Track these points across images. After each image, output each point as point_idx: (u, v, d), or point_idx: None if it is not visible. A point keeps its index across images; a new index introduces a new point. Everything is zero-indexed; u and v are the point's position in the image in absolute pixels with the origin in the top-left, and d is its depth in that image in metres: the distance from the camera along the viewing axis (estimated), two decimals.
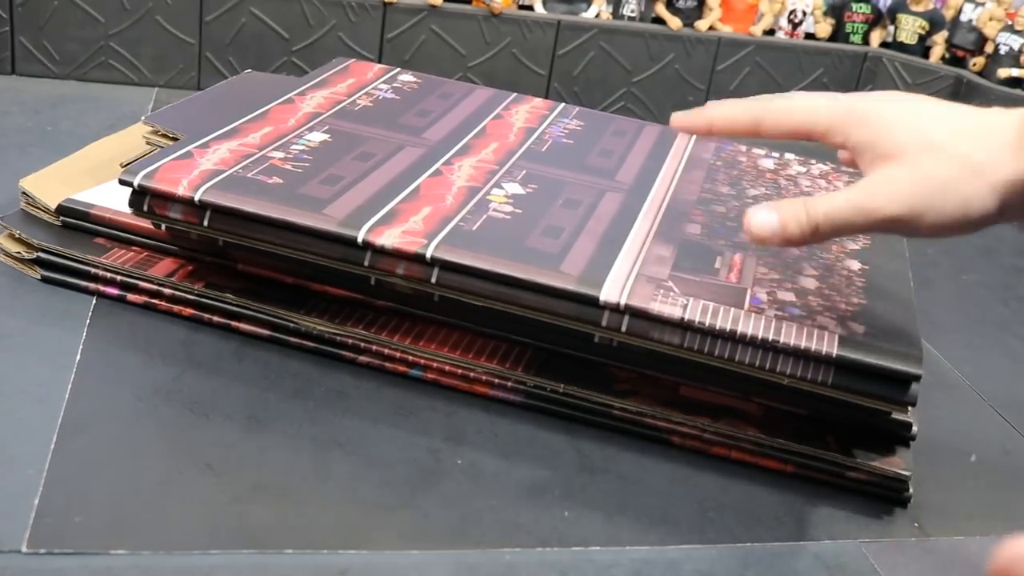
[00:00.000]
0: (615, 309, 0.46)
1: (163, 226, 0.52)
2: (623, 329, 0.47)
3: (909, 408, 0.47)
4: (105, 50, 0.89)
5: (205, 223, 0.50)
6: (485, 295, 0.48)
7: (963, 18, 1.07)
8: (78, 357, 0.48)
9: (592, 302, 0.47)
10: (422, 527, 0.42)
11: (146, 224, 0.53)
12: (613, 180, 0.58)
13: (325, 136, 0.57)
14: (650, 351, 0.47)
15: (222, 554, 0.39)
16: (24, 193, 0.56)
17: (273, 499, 0.42)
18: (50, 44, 0.87)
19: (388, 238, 0.48)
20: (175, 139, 0.61)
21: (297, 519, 0.41)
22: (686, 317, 0.46)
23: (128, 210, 0.51)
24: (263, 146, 0.55)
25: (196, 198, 0.49)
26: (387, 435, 0.47)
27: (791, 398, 0.48)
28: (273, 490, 0.42)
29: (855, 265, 0.54)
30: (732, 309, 0.46)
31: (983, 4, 1.06)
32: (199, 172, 0.51)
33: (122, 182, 0.50)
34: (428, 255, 0.47)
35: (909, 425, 0.48)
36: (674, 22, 1.01)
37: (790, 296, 0.49)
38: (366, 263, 0.48)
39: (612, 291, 0.46)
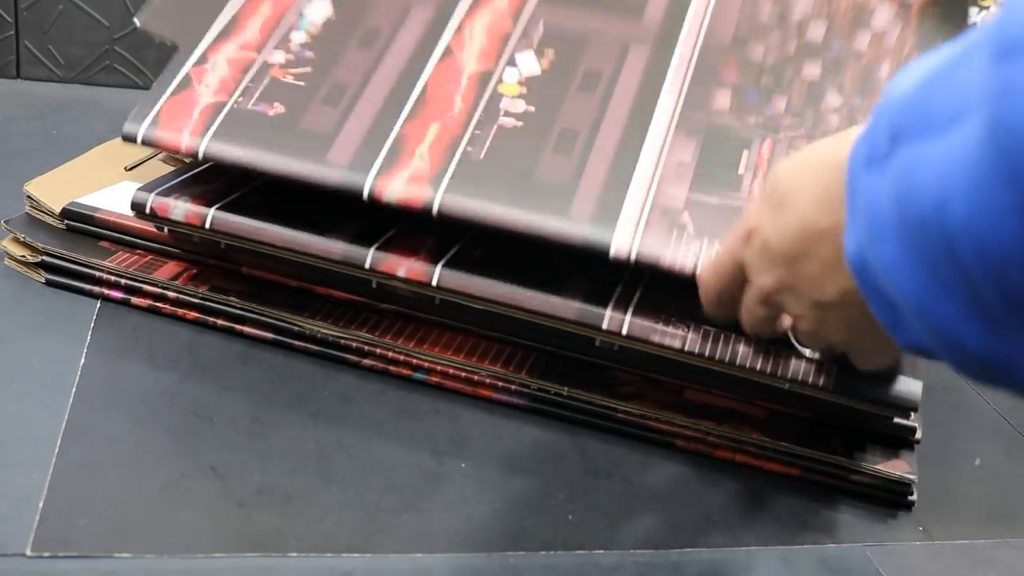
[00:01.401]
0: (617, 325, 0.46)
1: (166, 229, 0.52)
2: (624, 333, 0.47)
3: (913, 412, 0.47)
4: (110, 54, 0.89)
5: (207, 226, 0.50)
6: (485, 298, 0.48)
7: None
8: (82, 360, 0.49)
9: (603, 254, 0.45)
10: (426, 531, 0.42)
11: (150, 227, 0.53)
12: (640, 23, 0.51)
13: (328, 11, 0.53)
14: (651, 355, 0.47)
15: (226, 558, 0.39)
16: (29, 197, 0.57)
17: (277, 503, 0.42)
18: (55, 48, 0.87)
19: (393, 191, 0.46)
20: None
21: (301, 523, 0.41)
22: (686, 348, 0.46)
23: (131, 213, 0.51)
24: (262, 44, 0.52)
25: (206, 223, 0.49)
26: (391, 438, 0.47)
27: (794, 402, 0.48)
28: (277, 493, 0.42)
29: None
30: (732, 339, 0.46)
31: (987, 7, 1.06)
32: (199, 114, 0.49)
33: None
34: (435, 210, 0.46)
35: (914, 429, 0.48)
36: None
37: None
38: (367, 266, 0.49)
39: (623, 240, 0.45)
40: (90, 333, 0.51)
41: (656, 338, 0.46)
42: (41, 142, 0.74)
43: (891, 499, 0.48)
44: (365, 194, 0.46)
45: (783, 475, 0.49)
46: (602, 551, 0.42)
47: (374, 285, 0.50)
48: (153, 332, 0.52)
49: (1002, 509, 0.50)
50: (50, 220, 0.56)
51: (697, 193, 0.46)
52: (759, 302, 0.40)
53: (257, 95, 0.50)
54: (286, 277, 0.53)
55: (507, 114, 0.48)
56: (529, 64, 0.49)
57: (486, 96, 0.48)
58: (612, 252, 0.45)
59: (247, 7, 0.54)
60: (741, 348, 0.45)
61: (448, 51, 0.50)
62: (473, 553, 0.41)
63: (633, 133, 0.48)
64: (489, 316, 0.49)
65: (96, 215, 0.54)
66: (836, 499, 0.48)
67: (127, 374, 0.48)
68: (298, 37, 0.51)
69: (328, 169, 0.47)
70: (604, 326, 0.47)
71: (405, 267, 0.48)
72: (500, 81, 0.49)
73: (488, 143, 0.47)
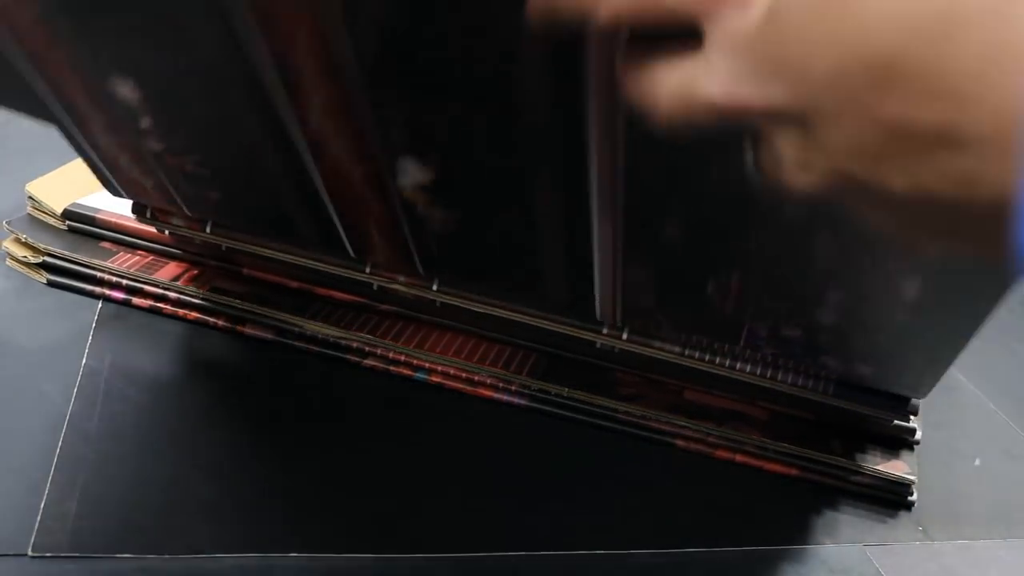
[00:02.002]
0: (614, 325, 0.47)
1: (167, 231, 0.52)
2: (624, 337, 0.47)
3: (913, 415, 0.48)
4: None
5: (207, 229, 0.50)
6: (485, 302, 0.48)
7: None
8: (83, 361, 0.49)
9: (592, 323, 0.47)
10: (427, 530, 0.42)
11: (151, 228, 0.53)
12: None
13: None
14: (652, 357, 0.47)
15: (228, 558, 0.39)
16: (30, 198, 0.57)
17: (279, 503, 0.42)
18: None
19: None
20: None
21: (301, 523, 0.41)
22: (686, 352, 0.46)
23: (132, 215, 0.52)
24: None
25: (207, 225, 0.50)
26: (391, 438, 0.47)
27: (795, 403, 0.48)
28: (279, 494, 0.42)
29: (911, 290, 0.36)
30: (726, 348, 0.46)
31: None
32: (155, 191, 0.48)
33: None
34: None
35: (913, 430, 0.48)
36: None
37: (795, 332, 0.42)
38: (367, 271, 0.49)
39: (606, 318, 0.46)
40: (91, 334, 0.51)
41: (657, 343, 0.46)
42: (43, 143, 0.73)
43: (891, 499, 0.48)
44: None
45: (783, 475, 0.49)
46: (603, 551, 0.42)
47: (375, 287, 0.50)
48: (154, 332, 0.52)
49: (1002, 509, 0.50)
50: (52, 221, 0.56)
51: (666, 304, 0.42)
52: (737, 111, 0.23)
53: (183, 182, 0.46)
54: (287, 278, 0.53)
55: (431, 220, 0.41)
56: (416, 171, 0.39)
57: (397, 203, 0.41)
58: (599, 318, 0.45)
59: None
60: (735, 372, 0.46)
61: (316, 153, 0.40)
62: (473, 553, 0.41)
63: (578, 244, 0.40)
64: (490, 318, 0.49)
65: (98, 216, 0.54)
66: (836, 499, 0.48)
67: (128, 374, 0.48)
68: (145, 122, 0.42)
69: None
70: (604, 331, 0.47)
71: (404, 274, 0.49)
72: (399, 190, 0.40)
73: (434, 241, 0.43)
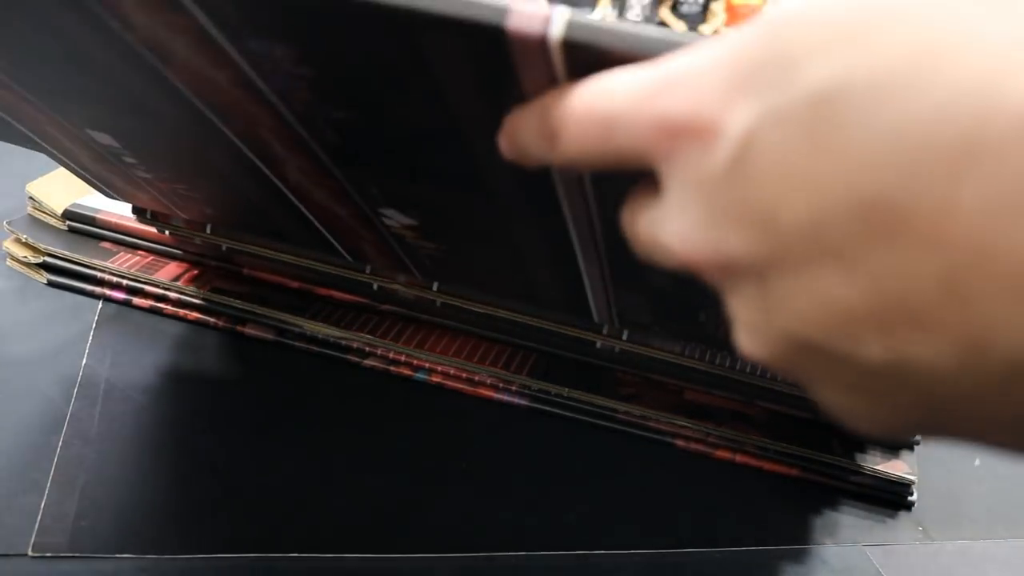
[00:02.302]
0: (616, 332, 0.47)
1: (167, 231, 0.52)
2: (624, 338, 0.47)
3: None
4: None
5: (207, 230, 0.50)
6: (486, 302, 0.48)
7: None
8: (84, 361, 0.49)
9: (591, 326, 0.47)
10: (427, 531, 0.42)
11: (151, 229, 0.53)
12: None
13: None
14: (652, 357, 0.47)
15: (227, 558, 0.39)
16: (31, 198, 0.57)
17: (278, 503, 0.42)
18: None
19: None
20: None
21: (302, 523, 0.41)
22: (686, 351, 0.47)
23: (133, 215, 0.52)
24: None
25: (207, 226, 0.49)
26: (392, 439, 0.47)
27: (795, 402, 0.48)
28: (278, 494, 0.42)
29: None
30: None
31: None
32: None
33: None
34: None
35: None
36: (679, 26, 1.01)
37: None
38: (368, 271, 0.49)
39: (603, 321, 0.46)
40: (92, 334, 0.51)
41: (657, 342, 0.47)
42: None
43: (891, 499, 0.48)
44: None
45: (783, 475, 0.49)
46: (602, 551, 0.42)
47: (375, 287, 0.50)
48: (154, 333, 0.52)
49: (1002, 509, 0.50)
50: (52, 221, 0.56)
51: (662, 320, 0.42)
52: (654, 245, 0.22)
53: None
54: (287, 278, 0.53)
55: (422, 248, 0.42)
56: (398, 216, 0.39)
57: (387, 235, 0.41)
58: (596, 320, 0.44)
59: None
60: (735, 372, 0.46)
61: (302, 197, 0.40)
62: (473, 553, 0.41)
63: (568, 273, 0.39)
64: (490, 318, 0.49)
65: (98, 216, 0.55)
66: (836, 499, 0.48)
67: (128, 374, 0.49)
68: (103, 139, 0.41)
69: None
70: (604, 331, 0.47)
71: (404, 275, 0.49)
72: (387, 227, 0.40)
73: (428, 263, 0.44)
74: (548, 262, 0.39)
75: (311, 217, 0.42)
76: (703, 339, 0.45)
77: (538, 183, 0.30)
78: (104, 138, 0.39)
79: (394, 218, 0.39)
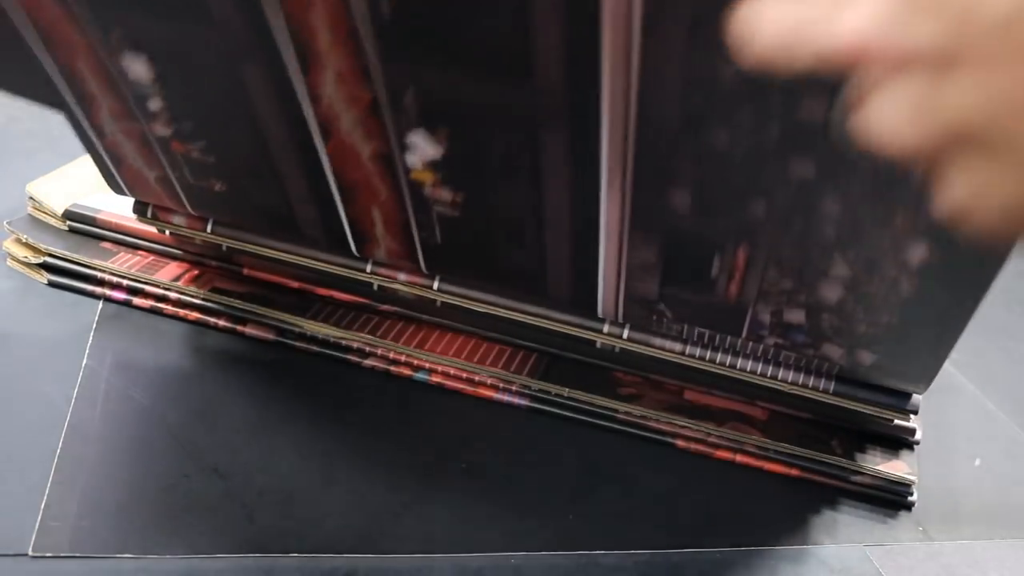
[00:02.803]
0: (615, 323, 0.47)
1: (168, 231, 0.52)
2: (625, 336, 0.47)
3: (913, 415, 0.48)
4: None
5: (208, 229, 0.50)
6: (486, 302, 0.48)
7: None
8: (84, 361, 0.49)
9: (593, 321, 0.48)
10: (427, 531, 0.42)
11: (152, 229, 0.53)
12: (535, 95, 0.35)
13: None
14: (652, 356, 0.47)
15: (228, 558, 0.39)
16: (31, 198, 0.57)
17: (279, 503, 0.42)
18: None
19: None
20: None
21: (302, 523, 0.41)
22: (686, 351, 0.47)
23: (133, 216, 0.52)
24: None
25: (208, 226, 0.50)
26: (392, 439, 0.47)
27: (794, 402, 0.48)
28: (279, 494, 0.42)
29: (917, 255, 0.36)
30: (728, 339, 0.46)
31: None
32: (159, 185, 0.49)
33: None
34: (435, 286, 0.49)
35: (913, 430, 0.48)
36: None
37: (799, 317, 0.42)
38: (368, 270, 0.49)
39: (608, 314, 0.47)
40: (92, 334, 0.51)
41: (657, 341, 0.47)
42: (44, 143, 0.74)
43: (891, 499, 0.48)
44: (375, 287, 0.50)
45: (783, 475, 0.49)
46: (602, 551, 0.42)
47: (375, 287, 0.50)
48: (155, 333, 0.52)
49: (1002, 509, 0.50)
50: (52, 221, 0.56)
51: (669, 287, 0.42)
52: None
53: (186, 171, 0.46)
54: (287, 278, 0.53)
55: (438, 205, 0.42)
56: (425, 146, 0.38)
57: (404, 184, 0.41)
58: (600, 317, 0.46)
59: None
60: (737, 363, 0.46)
61: (326, 130, 0.40)
62: (473, 553, 0.41)
63: (584, 222, 0.40)
64: (490, 318, 0.49)
65: (98, 216, 0.55)
66: (836, 499, 0.48)
67: (129, 375, 0.49)
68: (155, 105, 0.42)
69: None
70: (605, 330, 0.47)
71: (405, 273, 0.49)
72: (408, 165, 0.40)
73: (439, 231, 0.44)
74: (568, 205, 0.39)
75: (328, 174, 0.42)
76: (708, 313, 0.44)
77: (586, 76, 0.31)
78: (138, 66, 0.39)
79: (419, 151, 0.39)
